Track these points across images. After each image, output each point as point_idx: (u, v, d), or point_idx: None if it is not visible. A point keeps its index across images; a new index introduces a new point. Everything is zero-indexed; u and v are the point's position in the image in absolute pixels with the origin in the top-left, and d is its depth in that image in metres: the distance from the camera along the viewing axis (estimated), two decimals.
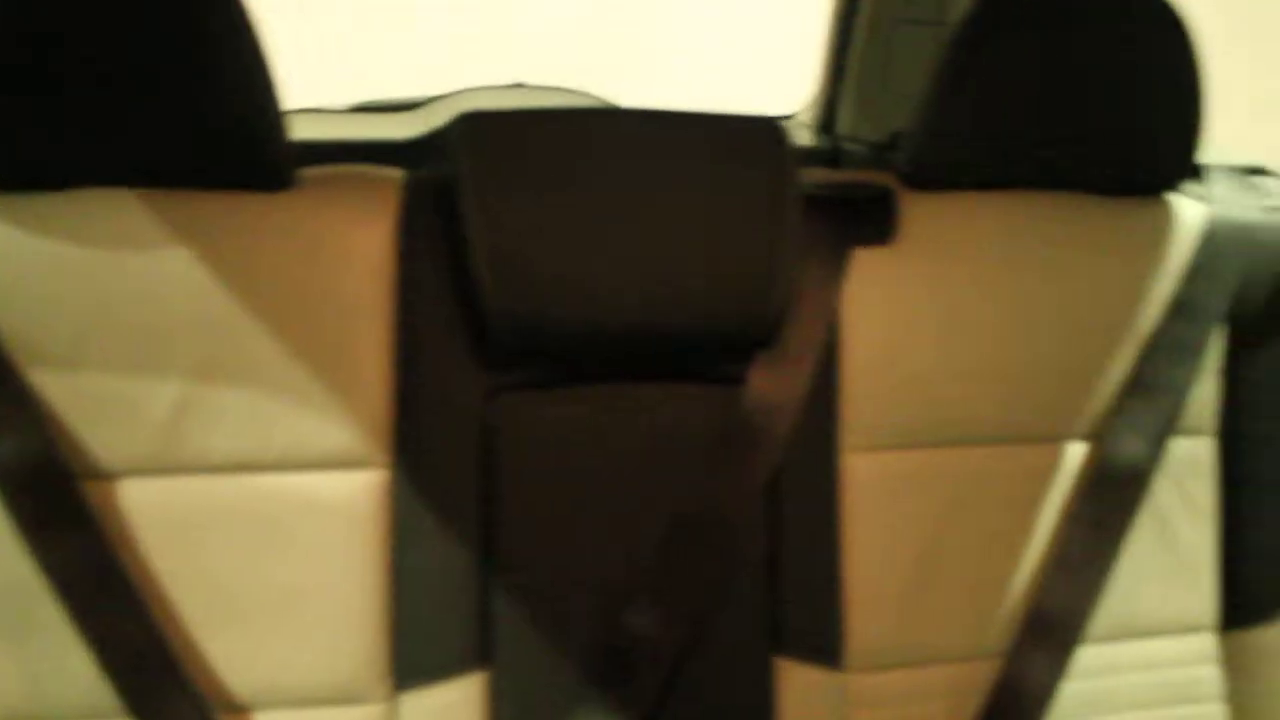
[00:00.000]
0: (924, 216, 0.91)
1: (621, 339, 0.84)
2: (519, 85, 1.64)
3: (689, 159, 0.82)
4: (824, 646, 0.88)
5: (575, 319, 0.82)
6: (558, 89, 1.63)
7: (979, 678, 0.91)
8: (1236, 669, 0.96)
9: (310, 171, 0.84)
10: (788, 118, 1.63)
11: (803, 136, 1.55)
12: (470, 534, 0.83)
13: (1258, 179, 1.11)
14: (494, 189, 0.80)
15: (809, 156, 1.44)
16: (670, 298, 0.82)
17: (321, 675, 0.81)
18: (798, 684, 0.87)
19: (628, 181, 0.81)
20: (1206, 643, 0.97)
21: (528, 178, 0.80)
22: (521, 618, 0.83)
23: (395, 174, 0.86)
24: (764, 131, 0.85)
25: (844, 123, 1.49)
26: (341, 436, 0.81)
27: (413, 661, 0.82)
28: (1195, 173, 1.07)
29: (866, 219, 0.90)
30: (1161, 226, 0.96)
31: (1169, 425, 0.94)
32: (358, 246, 0.81)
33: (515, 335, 0.82)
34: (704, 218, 0.82)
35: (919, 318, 0.90)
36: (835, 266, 0.89)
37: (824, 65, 1.55)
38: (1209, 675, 0.96)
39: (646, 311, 0.82)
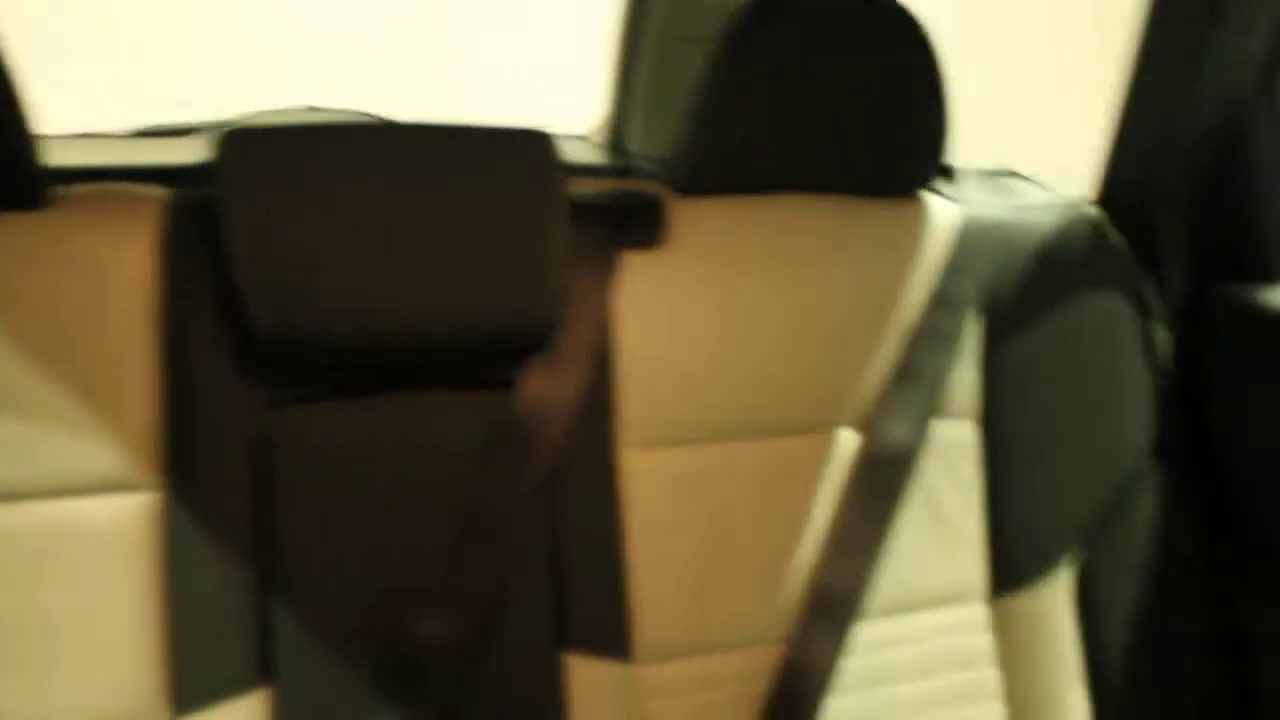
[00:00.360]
0: (692, 222, 0.95)
1: (392, 350, 0.84)
2: (311, 109, 1.62)
3: (456, 169, 0.84)
4: (611, 640, 0.90)
5: (344, 332, 0.82)
6: (350, 112, 1.61)
7: (765, 661, 0.95)
8: (1004, 633, 1.03)
9: (70, 190, 0.82)
10: (580, 138, 1.66)
11: (595, 155, 1.59)
12: (247, 551, 0.82)
13: (1007, 180, 1.20)
14: (257, 203, 0.80)
15: (599, 174, 1.47)
16: (440, 307, 0.84)
17: (98, 704, 0.78)
18: (587, 678, 0.89)
19: (394, 192, 0.82)
20: (978, 611, 1.03)
21: (292, 191, 0.80)
22: (303, 633, 0.82)
23: (158, 192, 0.85)
24: (529, 140, 0.87)
25: (633, 140, 1.53)
26: (108, 460, 0.79)
27: (192, 685, 0.80)
28: (948, 175, 1.15)
29: (635, 225, 0.94)
30: (918, 224, 1.03)
31: (932, 410, 1.00)
32: (117, 265, 0.79)
33: (283, 350, 0.82)
34: (471, 226, 0.84)
35: (691, 319, 0.94)
36: (605, 271, 0.92)
37: (612, 85, 1.59)
38: (982, 642, 1.03)
39: (417, 321, 0.83)
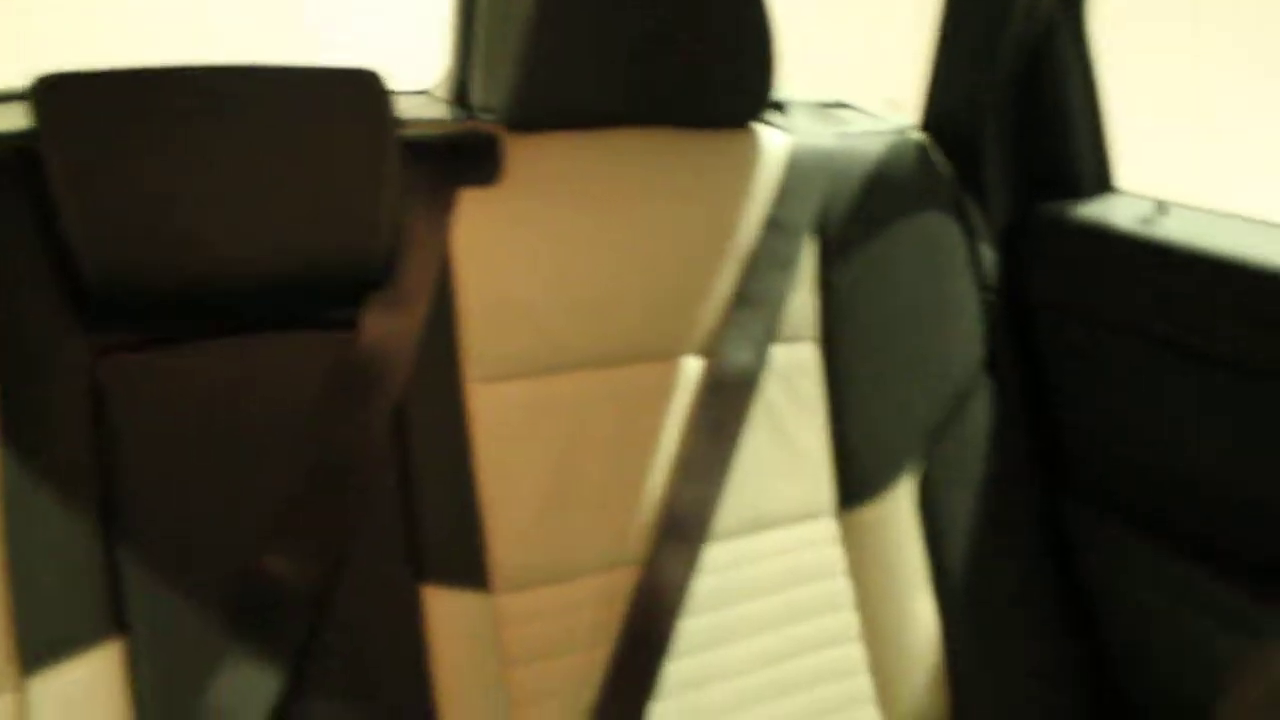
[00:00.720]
0: (527, 157, 0.96)
1: (225, 292, 0.83)
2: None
3: (283, 107, 0.83)
4: (468, 572, 0.91)
5: (176, 274, 0.81)
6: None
7: (622, 584, 0.97)
8: (853, 546, 1.07)
9: None
10: (423, 93, 1.65)
11: (438, 110, 1.57)
12: (89, 500, 0.80)
13: (836, 111, 1.23)
14: (78, 146, 0.78)
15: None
16: (273, 246, 0.83)
17: None
18: (446, 610, 0.89)
19: (223, 133, 0.81)
20: (826, 526, 1.07)
21: (114, 133, 0.78)
22: (154, 581, 0.81)
23: None
24: (359, 79, 0.86)
25: (475, 94, 1.53)
26: None
27: (39, 641, 0.78)
28: (780, 108, 1.18)
29: (470, 162, 0.94)
30: (750, 155, 1.05)
31: (772, 333, 1.03)
32: None
33: (114, 296, 0.80)
34: (303, 165, 0.83)
35: (531, 253, 0.95)
36: (442, 208, 0.92)
37: (453, 39, 1.58)
38: (832, 555, 1.06)
39: (248, 262, 0.83)
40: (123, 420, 0.82)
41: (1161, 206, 1.10)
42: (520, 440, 0.94)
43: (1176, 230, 1.04)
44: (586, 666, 0.94)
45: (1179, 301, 1.01)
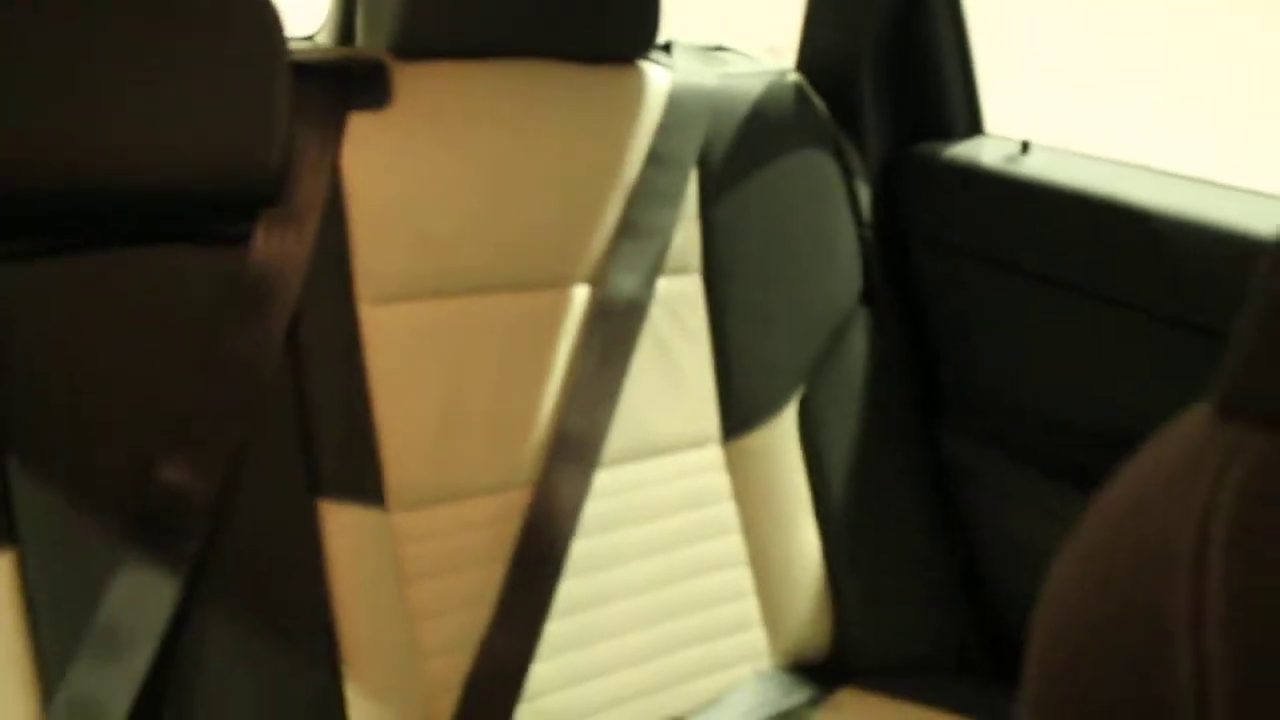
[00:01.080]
0: (416, 84, 0.97)
1: (116, 199, 0.83)
2: None
3: (175, 14, 0.82)
4: (363, 488, 0.92)
5: (65, 182, 0.80)
6: None
7: (515, 506, 0.99)
8: (738, 472, 1.11)
9: None
10: (307, 39, 1.62)
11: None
12: None
13: (718, 54, 1.27)
14: None
15: None
16: (163, 156, 0.83)
17: None
18: (342, 525, 0.91)
19: (113, 38, 0.80)
20: (713, 453, 1.10)
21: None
22: (46, 490, 0.80)
23: None
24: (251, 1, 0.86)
25: (361, 37, 1.51)
26: None
27: None
28: (664, 48, 1.20)
29: (360, 86, 0.95)
30: (634, 90, 1.08)
31: (658, 263, 1.06)
32: None
33: (2, 203, 0.79)
34: (193, 75, 0.83)
35: (420, 178, 0.96)
36: (332, 130, 0.93)
37: None
38: (718, 481, 1.10)
39: (140, 170, 0.82)
40: (13, 330, 0.81)
41: (1025, 147, 1.16)
42: (413, 362, 0.95)
43: (1039, 168, 1.10)
44: (482, 585, 0.96)
45: (1042, 234, 1.08)
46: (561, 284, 1.03)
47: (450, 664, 0.95)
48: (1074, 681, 0.40)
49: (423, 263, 0.96)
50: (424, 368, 0.96)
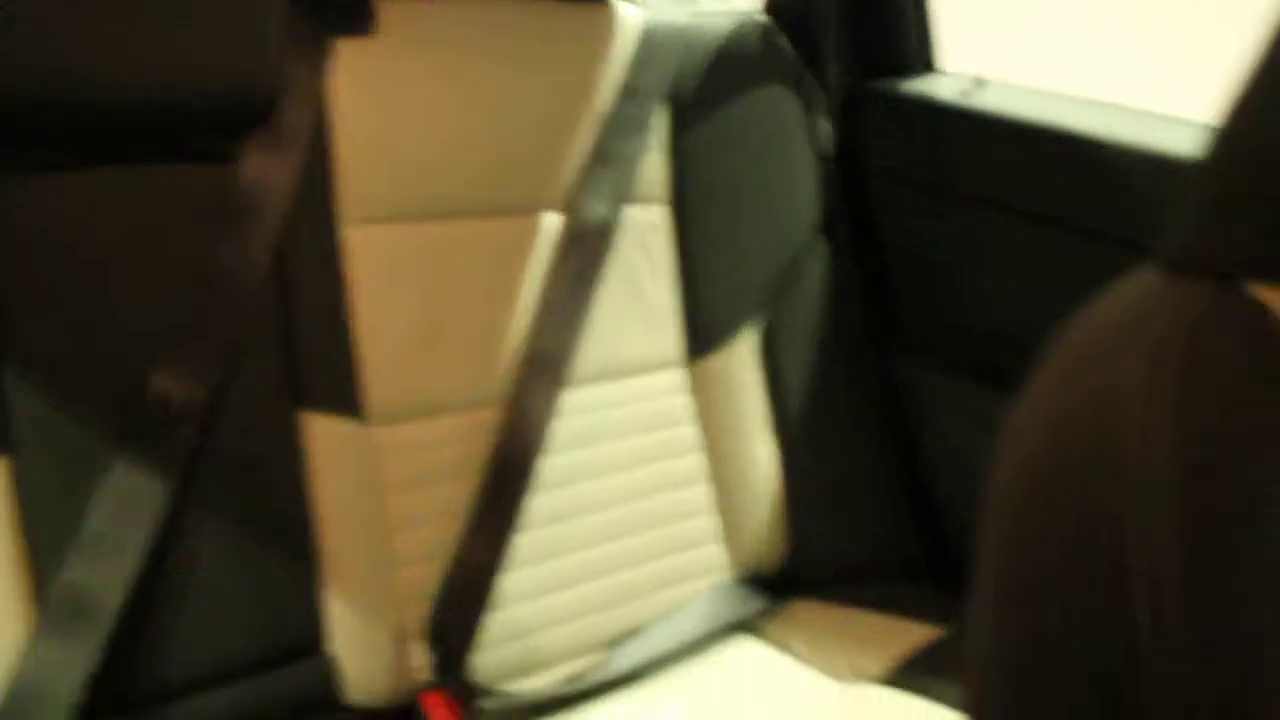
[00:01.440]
0: (402, 15, 1.01)
1: (107, 114, 0.85)
2: None
3: None
4: (344, 401, 0.95)
5: (54, 99, 0.82)
6: None
7: (488, 422, 1.03)
8: (700, 393, 1.15)
9: None
10: None
11: None
12: None
13: None
14: None
15: None
16: (154, 72, 0.85)
17: None
18: (324, 434, 0.94)
19: None
20: (676, 376, 1.14)
21: None
22: (40, 399, 0.82)
23: None
24: None
25: None
26: None
27: None
28: None
29: (347, 15, 0.98)
30: (609, 25, 1.12)
31: (627, 192, 1.10)
32: None
33: None
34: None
35: (403, 106, 0.99)
36: (319, 57, 0.95)
37: None
38: (681, 402, 1.15)
39: (131, 87, 0.84)
40: (7, 242, 0.83)
41: (979, 83, 1.20)
42: (392, 281, 0.99)
43: (992, 102, 1.15)
44: (456, 497, 1.00)
45: (993, 165, 1.12)
46: (536, 209, 1.07)
47: (424, 573, 0.99)
48: (1033, 515, 0.44)
49: (403, 188, 0.99)
50: (403, 287, 0.99)
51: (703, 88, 1.16)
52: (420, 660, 0.98)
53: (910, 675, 1.01)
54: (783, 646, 1.09)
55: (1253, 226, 0.41)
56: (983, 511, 0.47)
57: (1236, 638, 0.39)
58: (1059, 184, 1.06)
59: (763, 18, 1.24)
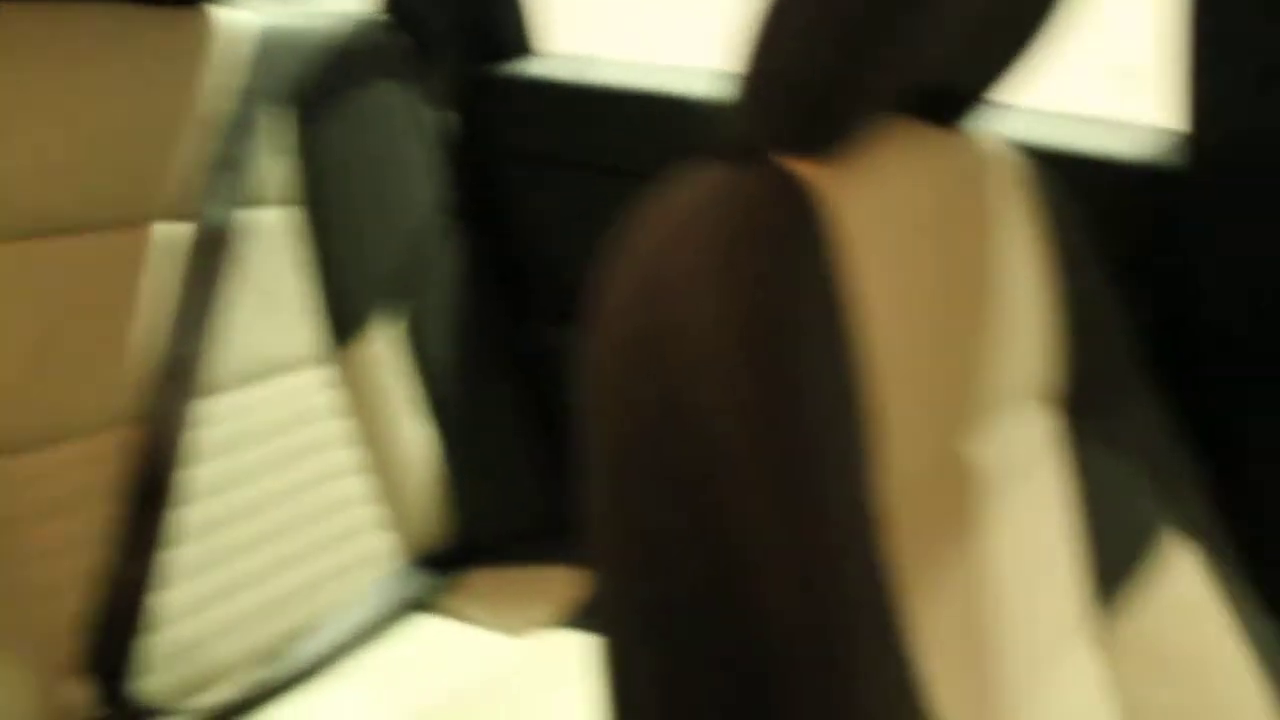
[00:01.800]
0: None
1: None
2: None
3: None
4: None
5: None
6: None
7: (122, 442, 1.00)
8: (348, 386, 1.16)
9: None
10: None
11: None
12: None
13: None
14: None
15: None
16: None
17: None
18: None
19: None
20: (321, 372, 1.15)
21: None
22: None
23: None
24: None
25: None
26: None
27: None
28: None
29: None
30: (208, 29, 1.10)
31: (250, 196, 1.09)
32: None
33: None
34: None
35: (3, 119, 0.95)
36: None
37: None
38: (330, 396, 1.15)
39: None
40: None
41: (580, 61, 1.28)
42: (6, 304, 0.94)
43: (587, 76, 1.23)
44: (98, 521, 0.97)
45: (594, 133, 1.21)
46: (149, 219, 1.04)
47: (73, 604, 0.95)
48: (621, 390, 0.51)
49: (8, 205, 0.94)
50: (19, 310, 0.94)
51: (324, 88, 1.17)
52: (80, 694, 0.94)
53: (579, 615, 1.07)
54: (461, 616, 1.13)
55: (775, 112, 0.52)
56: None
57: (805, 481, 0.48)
58: (649, 143, 1.15)
59: (381, 16, 1.27)
